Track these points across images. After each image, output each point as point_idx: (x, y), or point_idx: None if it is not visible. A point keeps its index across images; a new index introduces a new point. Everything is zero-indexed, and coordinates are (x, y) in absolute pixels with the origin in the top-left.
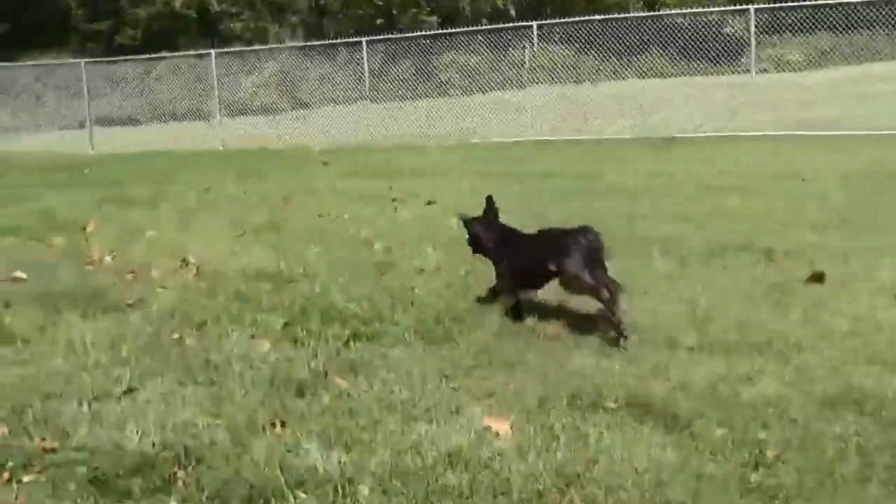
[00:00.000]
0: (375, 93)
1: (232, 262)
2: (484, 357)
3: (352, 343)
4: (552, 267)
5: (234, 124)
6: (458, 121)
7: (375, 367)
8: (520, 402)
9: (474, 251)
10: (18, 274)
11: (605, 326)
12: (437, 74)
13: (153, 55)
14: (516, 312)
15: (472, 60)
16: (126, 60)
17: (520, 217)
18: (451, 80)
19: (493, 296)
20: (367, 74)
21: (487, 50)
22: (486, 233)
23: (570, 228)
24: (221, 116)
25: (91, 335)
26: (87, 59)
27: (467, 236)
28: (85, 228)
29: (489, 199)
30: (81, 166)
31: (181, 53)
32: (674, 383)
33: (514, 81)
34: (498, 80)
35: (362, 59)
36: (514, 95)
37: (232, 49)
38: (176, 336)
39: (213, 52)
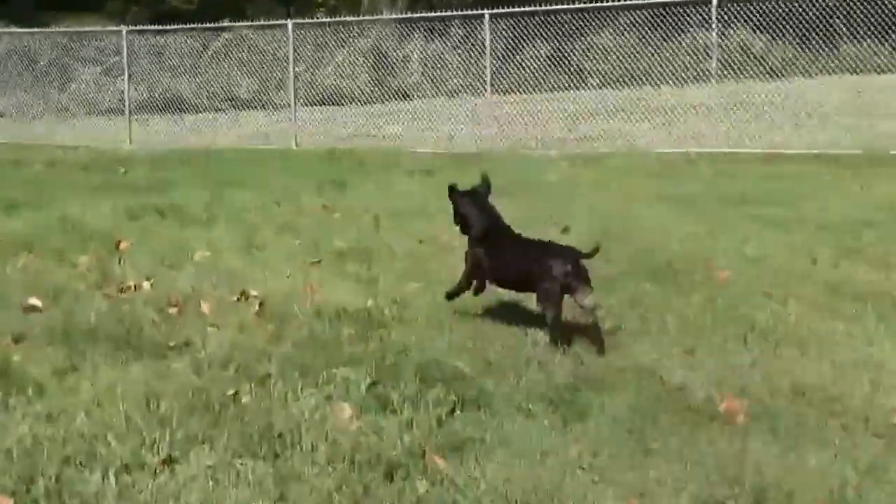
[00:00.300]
0: (500, 82)
1: (305, 297)
2: (632, 437)
3: (457, 411)
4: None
5: (314, 117)
6: (604, 123)
7: (488, 447)
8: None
9: (463, 232)
10: (33, 301)
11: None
12: (580, 60)
13: (213, 24)
14: (453, 295)
15: (628, 43)
16: (178, 30)
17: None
18: (598, 68)
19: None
20: (488, 58)
21: (652, 30)
22: (479, 216)
23: (554, 247)
24: (297, 106)
25: (122, 385)
26: (129, 27)
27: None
28: (118, 245)
29: (484, 178)
30: (116, 164)
31: (249, 23)
32: None
33: (690, 74)
34: (665, 71)
35: (483, 37)
36: (689, 93)
37: (314, 20)
38: (230, 392)
39: (289, 23)
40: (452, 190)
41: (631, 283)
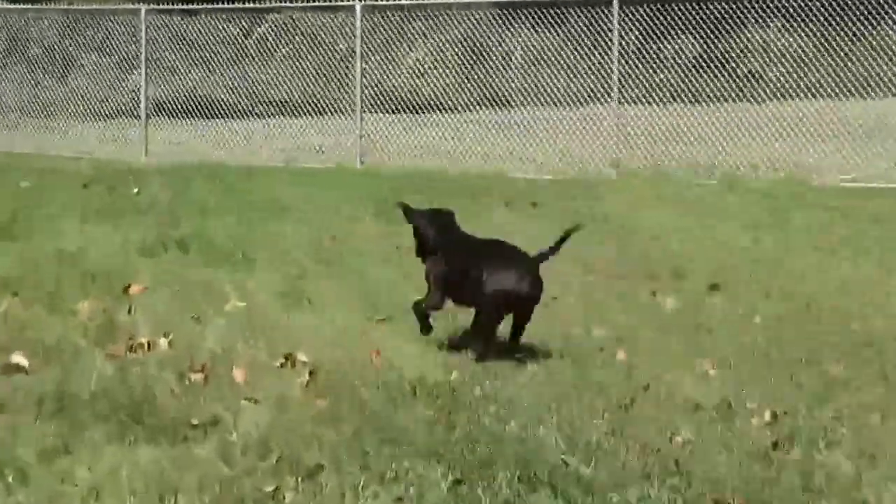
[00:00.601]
0: (631, 87)
1: (368, 365)
2: None
3: None
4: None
5: (384, 128)
6: (769, 147)
7: None
8: None
9: (417, 253)
10: (17, 359)
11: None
12: (738, 62)
13: (256, 5)
14: (427, 324)
15: (801, 42)
16: (212, 11)
17: None
18: (760, 72)
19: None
20: (615, 56)
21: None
22: (437, 236)
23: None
24: (363, 112)
25: (128, 473)
26: (148, 6)
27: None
28: (128, 289)
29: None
30: (128, 181)
31: (303, 3)
32: None
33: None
34: (856, 79)
35: (610, 30)
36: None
37: (388, 1)
38: (269, 488)
39: (357, 4)
40: (406, 210)
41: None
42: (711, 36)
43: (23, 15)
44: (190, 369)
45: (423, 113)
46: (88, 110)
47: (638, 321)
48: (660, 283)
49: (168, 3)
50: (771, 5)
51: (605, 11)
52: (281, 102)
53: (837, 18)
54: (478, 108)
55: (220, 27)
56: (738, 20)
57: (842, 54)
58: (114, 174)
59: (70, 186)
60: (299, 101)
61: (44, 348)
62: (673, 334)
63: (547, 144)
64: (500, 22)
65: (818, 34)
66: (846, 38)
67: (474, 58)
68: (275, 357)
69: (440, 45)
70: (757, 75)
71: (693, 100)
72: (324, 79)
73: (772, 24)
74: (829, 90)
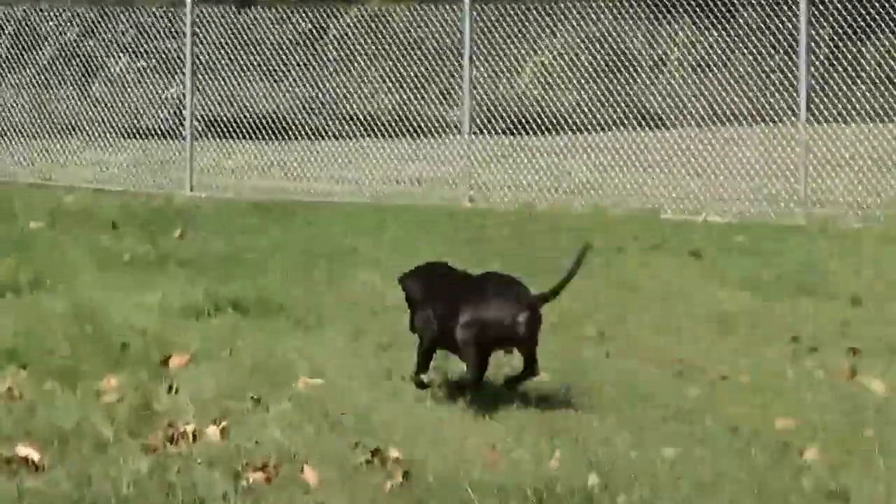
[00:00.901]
0: (824, 102)
1: (480, 464)
2: None
3: None
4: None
5: (497, 149)
6: None
7: None
8: None
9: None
10: (25, 451)
11: None
12: None
13: None
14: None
15: None
16: (277, 1)
17: None
18: None
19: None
20: (804, 62)
21: None
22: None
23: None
24: (473, 131)
25: None
26: None
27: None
28: (167, 361)
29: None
30: (167, 222)
31: None
32: None
33: None
34: None
35: (795, 26)
36: None
37: None
38: None
39: None
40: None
41: None
42: None
43: (37, 5)
44: (248, 467)
45: (551, 134)
46: (115, 127)
47: (832, 409)
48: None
49: None
50: None
51: (790, 3)
52: (365, 120)
53: None
54: (620, 127)
55: (288, 21)
56: None
57: None
58: (149, 212)
59: (93, 227)
60: (389, 119)
61: (59, 438)
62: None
63: (712, 175)
64: (649, 16)
65: None
66: None
67: (615, 62)
68: (359, 452)
69: (570, 45)
70: None
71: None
72: (421, 90)
73: None
74: None
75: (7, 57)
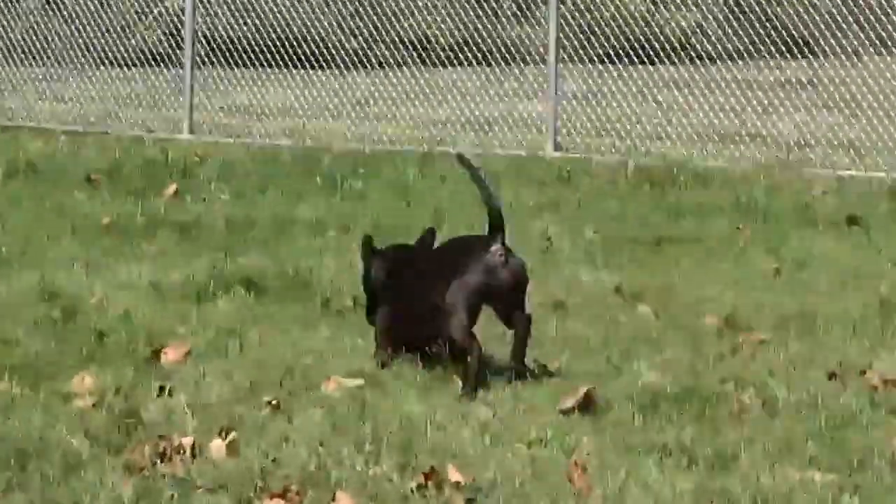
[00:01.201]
0: None
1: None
2: None
3: None
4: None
5: (592, 85)
6: None
7: None
8: None
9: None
10: None
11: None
12: None
13: None
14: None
15: None
16: None
17: None
18: None
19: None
20: None
21: None
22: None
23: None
24: (560, 59)
25: None
26: None
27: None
28: (158, 354)
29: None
30: (158, 174)
31: None
32: None
33: None
34: None
35: None
36: None
37: None
38: None
39: None
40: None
41: None
42: None
43: None
44: (263, 493)
45: (658, 63)
46: (93, 52)
47: None
48: None
49: None
50: None
51: None
52: (419, 44)
53: None
54: (753, 57)
55: None
56: None
57: None
58: (136, 163)
59: (64, 182)
60: (450, 43)
61: (17, 454)
62: None
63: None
64: None
65: None
66: None
67: None
68: (409, 474)
69: None
70: None
71: None
72: (492, 7)
73: None
74: None
75: None
